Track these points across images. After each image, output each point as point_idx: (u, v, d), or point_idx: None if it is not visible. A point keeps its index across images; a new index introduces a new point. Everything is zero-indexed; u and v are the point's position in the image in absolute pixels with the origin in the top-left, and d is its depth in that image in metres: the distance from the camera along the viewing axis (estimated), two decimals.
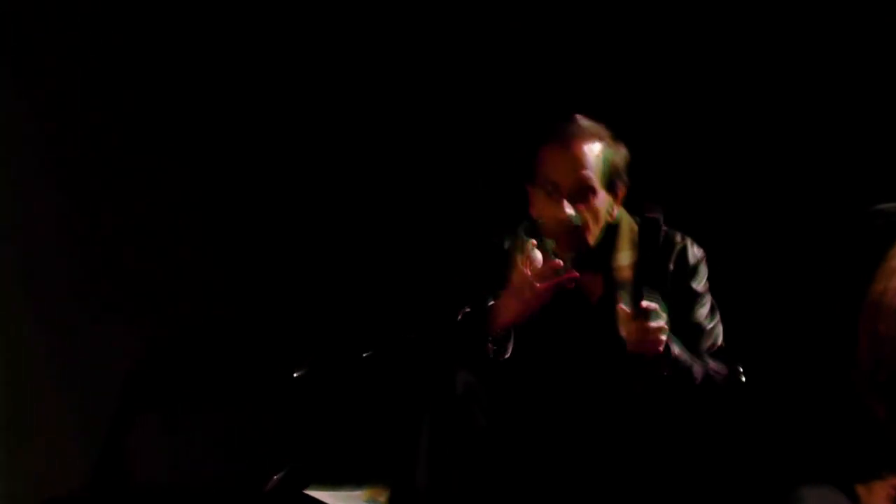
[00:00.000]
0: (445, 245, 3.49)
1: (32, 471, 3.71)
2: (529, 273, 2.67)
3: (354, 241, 3.87)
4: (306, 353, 3.67)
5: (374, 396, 3.62)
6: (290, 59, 3.86)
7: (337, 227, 3.88)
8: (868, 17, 3.56)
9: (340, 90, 3.87)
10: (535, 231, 2.82)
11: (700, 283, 2.89)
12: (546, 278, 2.66)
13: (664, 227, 2.88)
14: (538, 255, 2.69)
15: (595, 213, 2.81)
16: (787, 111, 3.66)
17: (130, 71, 3.78)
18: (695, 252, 2.90)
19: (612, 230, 2.85)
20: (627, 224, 2.87)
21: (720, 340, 2.90)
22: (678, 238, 2.90)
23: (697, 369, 2.76)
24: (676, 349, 2.71)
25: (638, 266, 2.74)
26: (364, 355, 3.49)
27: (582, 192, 2.79)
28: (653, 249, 2.79)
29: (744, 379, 2.88)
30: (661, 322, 2.65)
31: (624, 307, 2.66)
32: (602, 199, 2.82)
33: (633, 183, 2.87)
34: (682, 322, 2.79)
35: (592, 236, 2.82)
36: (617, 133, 2.86)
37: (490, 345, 2.73)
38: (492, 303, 2.74)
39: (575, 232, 2.79)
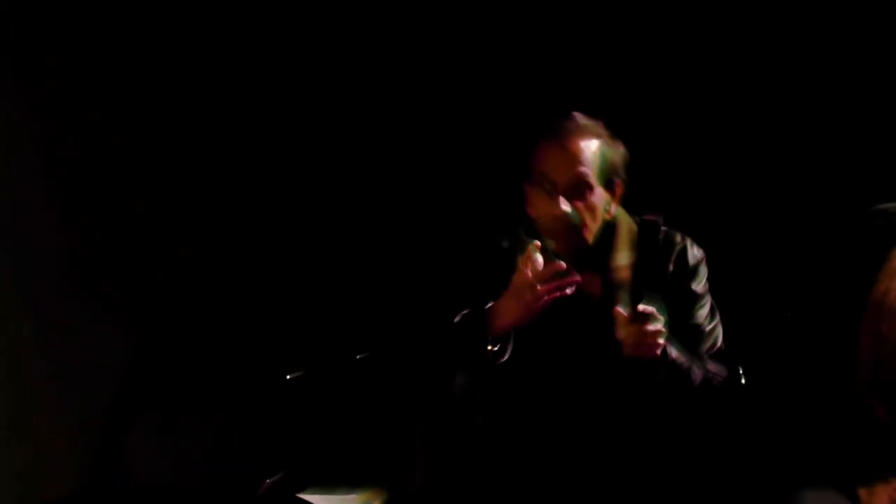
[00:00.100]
0: (445, 246, 3.48)
1: (29, 472, 3.70)
2: (530, 275, 2.65)
3: (354, 242, 3.87)
4: (304, 354, 3.67)
5: (371, 399, 3.62)
6: (289, 60, 3.86)
7: (336, 227, 3.88)
8: (868, 17, 3.56)
9: (339, 92, 3.87)
10: (534, 231, 2.82)
11: (700, 284, 2.88)
12: (547, 280, 2.65)
13: (664, 228, 2.88)
14: (539, 257, 2.67)
15: (592, 211, 2.80)
16: (787, 111, 3.66)
17: (130, 71, 3.78)
18: (694, 253, 2.89)
19: (610, 229, 2.84)
20: (626, 223, 2.86)
21: (720, 342, 2.89)
22: (678, 238, 2.89)
23: (696, 372, 2.75)
24: (675, 352, 2.70)
25: (636, 267, 2.74)
26: (358, 357, 3.48)
27: (579, 189, 2.78)
28: (651, 252, 2.79)
29: (744, 381, 2.88)
30: (658, 326, 2.64)
31: (621, 310, 2.65)
32: (599, 197, 2.80)
33: (632, 182, 2.87)
34: (682, 323, 2.78)
35: (590, 234, 2.81)
36: (616, 131, 2.86)
37: (489, 347, 2.71)
38: (491, 305, 2.73)
39: (572, 229, 2.77)
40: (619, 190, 2.86)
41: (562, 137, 2.79)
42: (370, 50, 3.87)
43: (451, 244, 3.34)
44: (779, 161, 3.67)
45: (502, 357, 2.72)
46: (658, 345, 2.65)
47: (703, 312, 2.87)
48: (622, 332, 2.65)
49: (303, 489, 3.44)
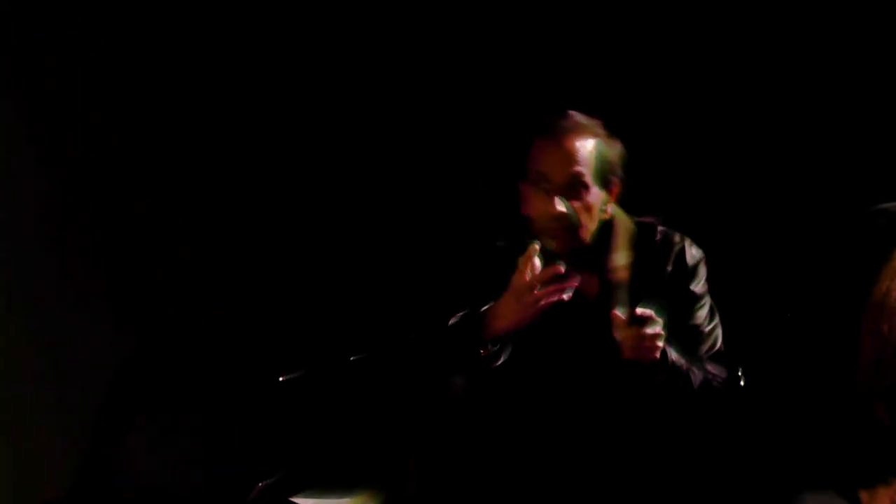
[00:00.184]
0: (443, 247, 3.48)
1: (29, 472, 3.70)
2: (529, 277, 2.64)
3: (353, 243, 3.87)
4: (304, 355, 3.67)
5: (368, 400, 3.61)
6: (288, 60, 3.86)
7: (335, 228, 3.88)
8: (868, 17, 3.56)
9: (338, 93, 3.87)
10: (529, 231, 2.80)
11: (699, 285, 2.87)
12: (547, 283, 2.64)
13: (662, 228, 2.87)
14: (538, 259, 2.66)
15: (589, 209, 2.78)
16: (788, 111, 3.66)
17: (130, 71, 3.78)
18: (693, 253, 2.88)
19: (607, 228, 2.82)
20: (624, 223, 2.84)
21: (720, 343, 2.88)
22: (676, 238, 2.88)
23: (695, 374, 2.74)
24: (674, 354, 2.69)
25: (634, 268, 2.73)
26: (353, 358, 3.47)
27: (574, 188, 2.76)
28: (649, 252, 2.78)
29: (743, 382, 2.87)
30: (657, 329, 2.62)
31: (619, 313, 2.63)
32: (595, 195, 2.79)
33: (630, 181, 2.86)
34: (681, 324, 2.76)
35: (587, 233, 2.79)
36: (613, 130, 2.85)
37: (486, 349, 2.69)
38: (489, 306, 2.71)
39: (569, 229, 2.76)
40: (616, 189, 2.84)
41: (558, 136, 2.78)
42: (369, 50, 3.87)
43: (449, 245, 3.33)
44: (779, 161, 3.66)
45: (499, 359, 2.70)
46: (657, 348, 2.63)
47: (702, 313, 2.86)
48: (620, 335, 2.63)
49: (298, 492, 3.43)
